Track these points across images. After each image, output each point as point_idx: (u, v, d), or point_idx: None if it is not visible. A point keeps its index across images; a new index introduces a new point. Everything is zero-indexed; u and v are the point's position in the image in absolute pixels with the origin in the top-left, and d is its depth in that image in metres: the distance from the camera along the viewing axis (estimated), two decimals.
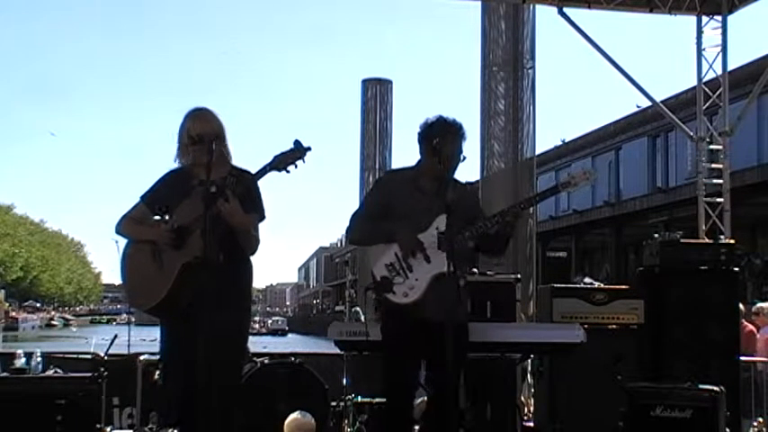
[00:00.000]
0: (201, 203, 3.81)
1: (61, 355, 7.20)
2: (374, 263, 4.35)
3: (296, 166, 3.89)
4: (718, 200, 9.76)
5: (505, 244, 4.53)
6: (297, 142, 3.88)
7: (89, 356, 6.81)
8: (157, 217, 4.09)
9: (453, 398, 4.22)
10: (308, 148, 3.89)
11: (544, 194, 4.57)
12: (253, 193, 3.99)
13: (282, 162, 3.87)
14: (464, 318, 4.34)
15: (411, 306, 4.27)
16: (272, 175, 3.92)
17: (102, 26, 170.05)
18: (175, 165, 4.16)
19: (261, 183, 3.98)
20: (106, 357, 6.46)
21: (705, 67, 9.80)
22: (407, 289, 4.27)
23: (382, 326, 4.50)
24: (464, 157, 4.39)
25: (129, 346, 7.18)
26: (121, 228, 4.14)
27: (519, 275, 6.97)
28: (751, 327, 9.27)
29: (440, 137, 4.32)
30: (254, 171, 3.96)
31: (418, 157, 4.54)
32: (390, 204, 4.39)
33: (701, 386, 5.41)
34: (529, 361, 6.64)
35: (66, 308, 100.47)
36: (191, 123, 4.06)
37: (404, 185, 4.47)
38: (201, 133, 4.00)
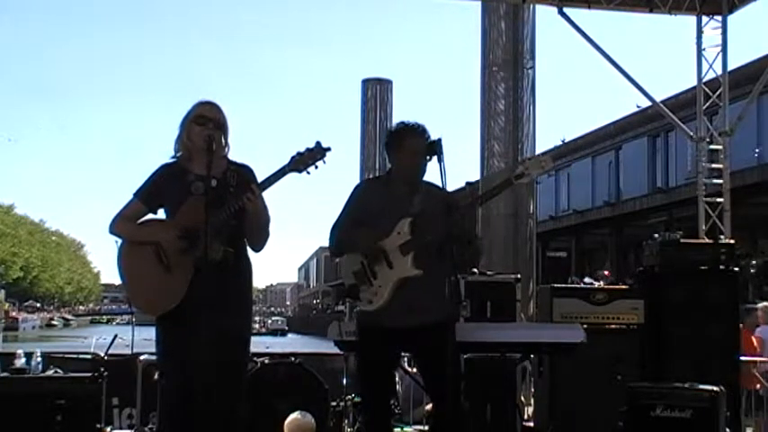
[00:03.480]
0: (204, 202, 3.72)
1: (61, 355, 7.18)
2: (346, 272, 4.35)
3: (316, 167, 3.82)
4: (719, 200, 9.76)
5: (464, 247, 4.26)
6: (318, 143, 3.83)
7: (89, 356, 6.80)
8: (151, 214, 4.01)
9: (451, 401, 4.15)
10: (328, 149, 3.82)
11: (499, 189, 4.44)
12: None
13: (301, 163, 3.80)
14: (447, 317, 4.11)
15: (375, 313, 4.24)
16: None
17: (102, 25, 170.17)
18: (169, 159, 4.05)
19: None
20: (106, 357, 6.46)
21: (705, 67, 9.81)
22: (371, 296, 4.24)
23: (356, 334, 4.51)
24: (430, 158, 4.22)
25: (132, 346, 7.15)
26: (117, 227, 3.99)
27: (519, 275, 6.97)
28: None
29: (403, 139, 4.31)
30: (270, 172, 3.86)
31: None
32: (364, 211, 4.36)
33: (700, 386, 5.40)
34: (529, 361, 6.64)
35: (66, 308, 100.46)
36: (200, 108, 3.99)
37: (377, 192, 4.47)
38: (211, 117, 3.95)
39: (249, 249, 4.04)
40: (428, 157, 4.21)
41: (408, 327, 4.16)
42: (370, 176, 16.44)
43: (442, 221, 4.11)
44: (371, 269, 4.25)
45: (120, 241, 4.02)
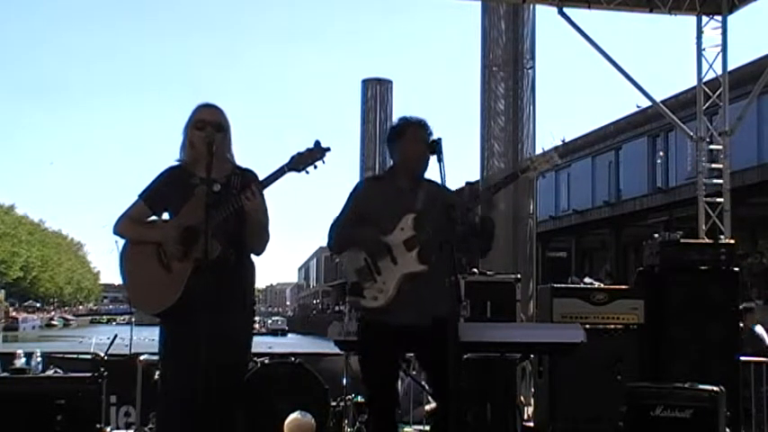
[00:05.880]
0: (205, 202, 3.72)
1: (61, 355, 7.19)
2: (347, 270, 4.34)
3: (315, 167, 3.83)
4: (718, 200, 9.75)
5: (481, 239, 4.33)
6: (317, 142, 3.84)
7: (89, 356, 6.80)
8: (155, 217, 4.02)
9: (452, 399, 4.15)
10: (328, 149, 3.83)
11: (505, 182, 4.49)
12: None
13: (300, 162, 3.81)
14: (449, 314, 4.04)
15: (381, 310, 4.22)
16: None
17: (101, 23, 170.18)
18: (175, 162, 4.07)
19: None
20: (106, 357, 6.46)
21: (705, 67, 9.80)
22: (376, 292, 4.22)
23: (359, 331, 4.50)
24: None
25: (130, 346, 7.17)
26: (120, 228, 4.02)
27: (519, 275, 6.97)
28: None
29: (404, 134, 4.33)
30: (269, 171, 3.87)
31: None
32: (366, 209, 4.37)
33: (700, 386, 5.41)
34: (529, 361, 6.64)
35: (66, 308, 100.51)
36: (200, 112, 4.01)
37: (378, 189, 4.48)
38: (209, 120, 3.96)
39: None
40: (428, 154, 4.21)
41: (413, 324, 4.13)
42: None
43: (444, 219, 4.06)
44: (375, 265, 4.24)
45: (120, 243, 4.05)
